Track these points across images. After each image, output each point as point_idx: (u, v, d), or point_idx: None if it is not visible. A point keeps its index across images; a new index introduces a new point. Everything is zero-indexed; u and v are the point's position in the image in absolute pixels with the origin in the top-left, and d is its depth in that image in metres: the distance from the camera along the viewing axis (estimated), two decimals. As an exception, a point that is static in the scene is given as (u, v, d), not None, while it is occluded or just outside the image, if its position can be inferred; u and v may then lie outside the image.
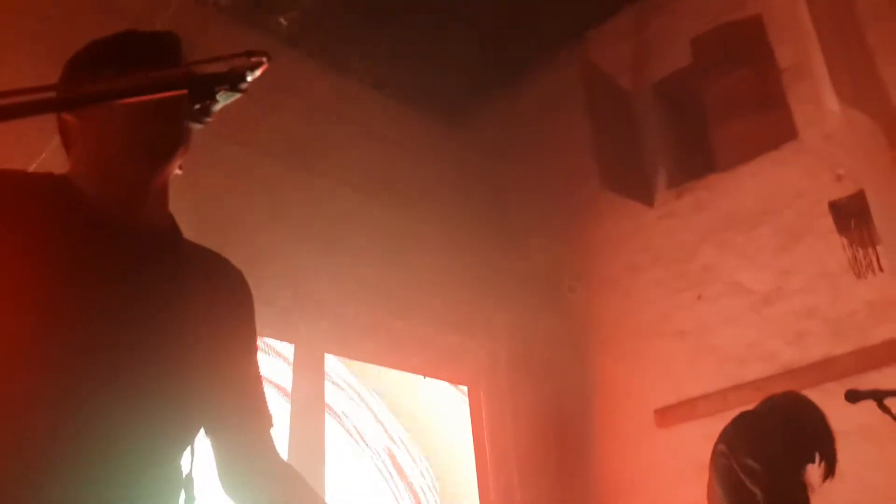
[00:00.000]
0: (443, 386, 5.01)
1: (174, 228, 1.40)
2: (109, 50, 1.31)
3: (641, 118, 4.80)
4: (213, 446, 1.40)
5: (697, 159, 4.57)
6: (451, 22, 4.38)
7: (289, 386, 3.69)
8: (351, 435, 4.56)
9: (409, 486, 4.74)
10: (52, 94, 0.84)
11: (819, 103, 3.72)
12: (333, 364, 4.40)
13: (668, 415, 4.13)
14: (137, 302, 1.25)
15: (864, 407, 2.56)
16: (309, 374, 3.80)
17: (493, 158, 5.24)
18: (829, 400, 2.96)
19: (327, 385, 3.99)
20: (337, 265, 4.18)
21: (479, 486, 4.58)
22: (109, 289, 1.22)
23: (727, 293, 4.15)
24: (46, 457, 1.11)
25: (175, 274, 1.32)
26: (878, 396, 2.46)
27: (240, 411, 1.40)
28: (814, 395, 3.17)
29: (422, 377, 4.77)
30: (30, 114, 0.73)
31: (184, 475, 1.29)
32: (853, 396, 2.49)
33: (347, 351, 4.35)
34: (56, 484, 1.10)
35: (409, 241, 4.53)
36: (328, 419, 4.15)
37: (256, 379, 1.45)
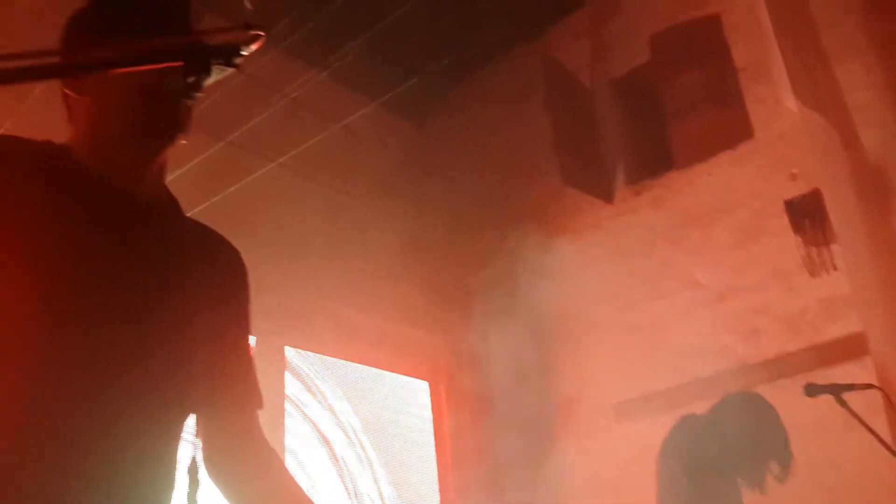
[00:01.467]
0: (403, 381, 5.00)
1: (173, 202, 1.37)
2: (113, 12, 1.26)
3: (601, 115, 4.83)
4: (198, 423, 1.36)
5: (656, 157, 4.62)
6: (413, 19, 4.35)
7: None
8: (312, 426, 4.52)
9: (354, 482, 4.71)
10: (49, 59, 0.81)
11: (776, 103, 3.79)
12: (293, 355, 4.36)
13: (626, 409, 4.18)
14: (135, 271, 1.22)
15: (821, 402, 2.61)
16: (269, 367, 3.76)
17: (455, 154, 5.24)
18: (784, 396, 3.03)
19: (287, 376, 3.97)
20: (299, 259, 4.13)
21: (439, 483, 4.59)
22: (107, 258, 1.20)
23: (682, 289, 4.21)
24: (40, 429, 1.09)
25: (173, 246, 1.30)
26: (837, 391, 2.52)
27: (228, 389, 1.37)
28: (768, 391, 3.25)
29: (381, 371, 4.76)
30: (22, 80, 0.70)
31: (190, 460, 1.27)
32: (812, 391, 2.54)
33: (308, 344, 4.31)
34: (49, 459, 1.08)
35: (371, 235, 4.51)
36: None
37: (247, 358, 1.42)
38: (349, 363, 4.63)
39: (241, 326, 1.43)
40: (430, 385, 4.94)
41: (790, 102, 3.49)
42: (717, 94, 4.35)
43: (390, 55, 4.63)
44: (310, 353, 4.43)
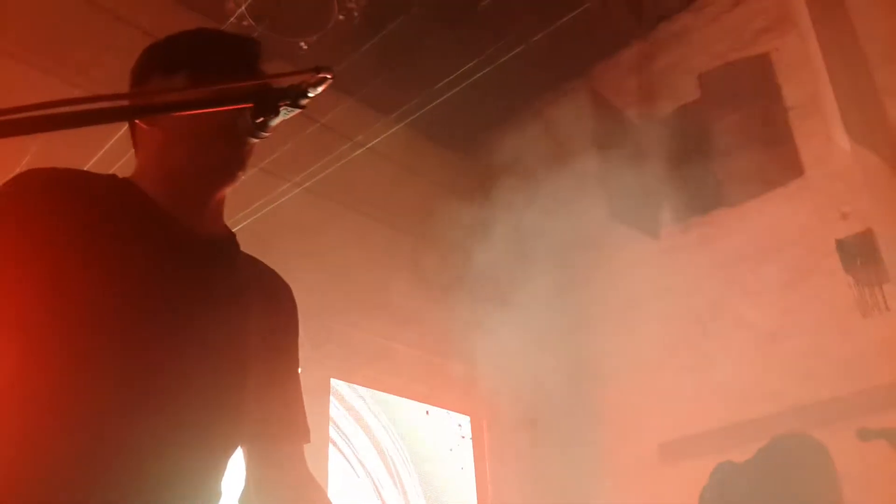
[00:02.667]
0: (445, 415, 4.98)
1: (231, 238, 1.41)
2: (184, 51, 1.31)
3: (649, 151, 4.82)
4: (244, 455, 1.40)
5: (704, 194, 4.58)
6: (462, 54, 4.41)
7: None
8: (349, 461, 4.52)
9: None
10: (123, 102, 0.84)
11: (827, 141, 3.74)
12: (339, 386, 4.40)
13: (671, 450, 4.10)
14: (195, 304, 1.25)
15: (874, 447, 2.54)
16: (315, 399, 3.78)
17: (504, 189, 5.25)
18: (836, 440, 2.94)
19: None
20: (346, 291, 4.17)
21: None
22: (168, 290, 1.23)
23: (732, 329, 4.14)
24: (99, 460, 1.11)
25: (230, 281, 1.33)
26: (891, 436, 2.44)
27: (276, 422, 1.40)
28: (820, 435, 3.16)
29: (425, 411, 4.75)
30: (99, 122, 0.73)
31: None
32: (865, 435, 2.47)
33: (353, 376, 4.33)
34: (103, 489, 1.10)
35: (417, 268, 4.53)
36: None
37: (296, 392, 1.45)
38: (392, 396, 4.64)
39: (292, 360, 1.46)
40: (471, 420, 4.91)
41: (842, 140, 3.45)
42: (767, 132, 4.31)
43: (437, 87, 4.68)
44: (354, 386, 4.45)
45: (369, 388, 4.56)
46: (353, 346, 4.26)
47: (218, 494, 1.28)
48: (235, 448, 1.33)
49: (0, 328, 1.14)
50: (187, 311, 1.23)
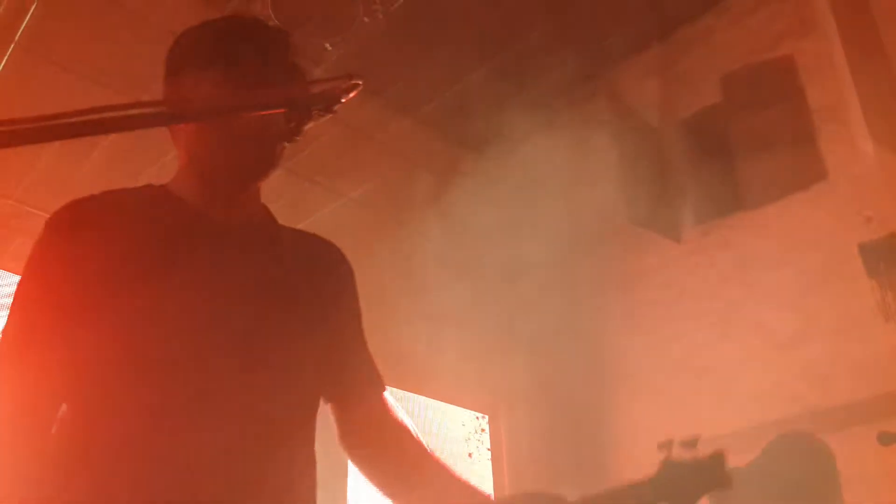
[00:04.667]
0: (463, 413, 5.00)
1: (268, 216, 1.45)
2: (215, 43, 1.34)
3: (669, 154, 4.81)
4: (334, 414, 1.47)
5: (725, 197, 4.56)
6: (481, 55, 4.43)
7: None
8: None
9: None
10: (158, 108, 0.87)
11: (850, 144, 3.72)
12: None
13: (689, 452, 4.08)
14: (241, 288, 1.28)
15: (894, 451, 2.53)
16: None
17: (521, 190, 5.26)
18: (856, 444, 2.93)
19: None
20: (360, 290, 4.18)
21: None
22: (213, 285, 1.26)
23: (752, 333, 4.12)
24: (181, 448, 1.15)
25: (273, 258, 1.37)
26: (911, 441, 2.43)
27: (356, 379, 1.48)
28: (840, 438, 3.15)
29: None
30: (134, 127, 0.75)
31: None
32: (886, 439, 2.46)
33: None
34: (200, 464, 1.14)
35: (432, 266, 4.54)
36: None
37: (364, 347, 1.52)
38: (409, 394, 4.66)
39: (355, 317, 1.52)
40: (489, 419, 4.92)
41: (866, 144, 3.43)
42: (789, 136, 4.28)
43: (454, 88, 4.70)
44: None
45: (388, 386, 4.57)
46: (371, 344, 4.28)
47: (309, 452, 1.34)
48: (313, 409, 1.37)
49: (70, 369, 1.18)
50: (237, 297, 1.27)
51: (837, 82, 3.70)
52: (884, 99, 3.54)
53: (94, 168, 3.91)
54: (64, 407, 1.20)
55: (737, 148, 4.49)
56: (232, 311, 1.25)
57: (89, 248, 1.22)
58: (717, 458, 1.33)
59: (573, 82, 5.14)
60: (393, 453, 1.46)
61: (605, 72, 5.11)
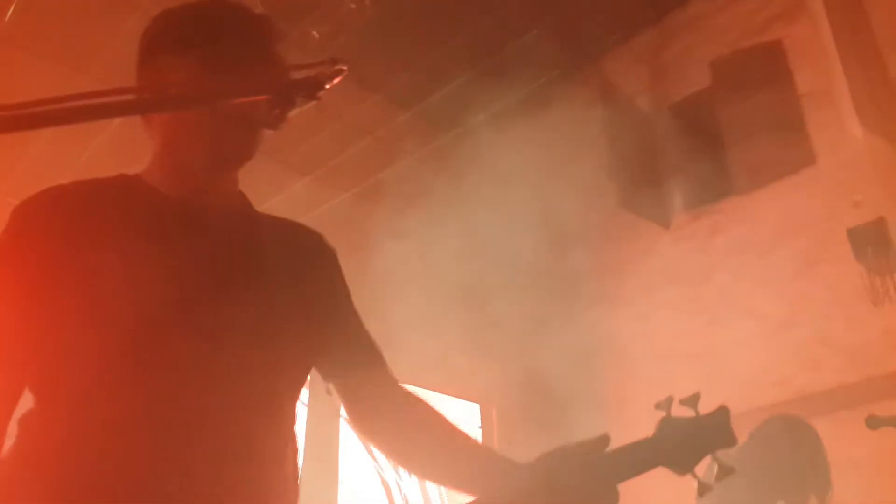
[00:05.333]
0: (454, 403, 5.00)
1: (246, 205, 1.43)
2: (196, 26, 1.31)
3: (659, 139, 4.80)
4: (340, 393, 1.45)
5: (714, 182, 4.56)
6: (471, 42, 4.41)
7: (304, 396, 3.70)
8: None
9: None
10: (131, 96, 0.85)
11: (839, 129, 3.72)
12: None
13: (680, 437, 4.10)
14: (218, 275, 1.26)
15: (883, 434, 2.54)
16: (323, 385, 3.79)
17: (510, 175, 5.25)
18: (845, 428, 2.95)
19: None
20: (353, 279, 4.17)
21: None
22: (189, 273, 1.24)
23: (741, 317, 4.14)
24: (164, 431, 1.13)
25: (250, 245, 1.34)
26: (899, 424, 2.44)
27: (352, 357, 1.45)
28: (829, 422, 3.17)
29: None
30: (112, 115, 0.74)
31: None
32: (874, 423, 2.47)
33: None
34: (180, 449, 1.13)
35: (424, 256, 4.53)
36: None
37: (358, 323, 1.49)
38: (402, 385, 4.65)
39: (342, 296, 1.49)
40: (481, 408, 4.93)
41: (854, 128, 3.43)
42: (778, 120, 4.28)
43: (447, 79, 4.68)
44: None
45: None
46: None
47: (289, 434, 1.31)
48: (294, 392, 1.34)
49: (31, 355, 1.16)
50: (213, 284, 1.25)
51: (826, 67, 3.70)
52: (872, 84, 3.54)
53: (86, 163, 3.88)
54: (30, 400, 1.17)
55: (726, 133, 4.49)
56: (206, 298, 1.22)
57: (60, 238, 1.20)
58: (721, 415, 1.24)
59: (563, 68, 5.13)
60: (407, 419, 1.44)
61: (596, 57, 5.09)
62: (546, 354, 4.63)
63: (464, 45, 4.23)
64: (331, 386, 1.46)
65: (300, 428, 1.40)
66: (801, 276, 3.94)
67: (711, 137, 4.65)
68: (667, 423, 1.25)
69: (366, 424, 1.45)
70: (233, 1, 1.38)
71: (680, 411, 1.24)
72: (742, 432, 3.22)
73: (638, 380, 4.42)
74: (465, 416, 4.98)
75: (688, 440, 1.21)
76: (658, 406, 1.23)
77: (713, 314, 4.24)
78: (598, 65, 5.08)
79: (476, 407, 4.96)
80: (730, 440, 1.20)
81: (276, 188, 4.04)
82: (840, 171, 3.92)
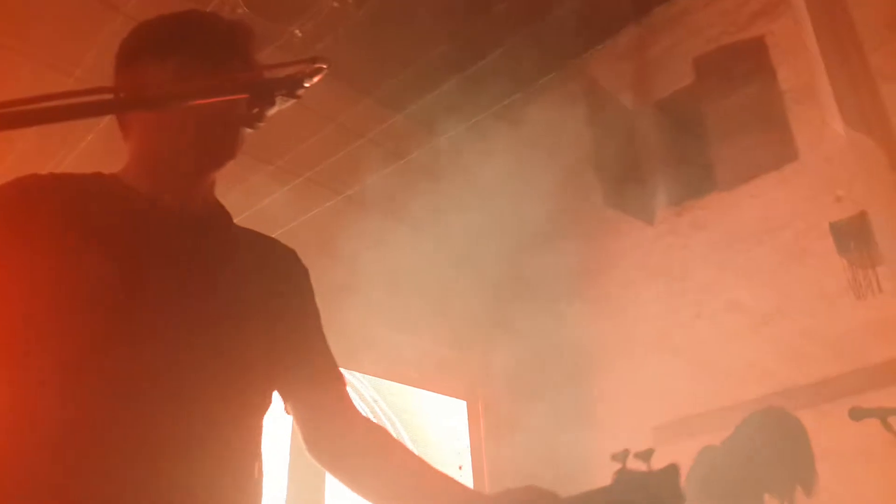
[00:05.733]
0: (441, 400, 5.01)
1: (222, 213, 1.42)
2: (176, 34, 1.31)
3: (643, 136, 4.82)
4: (295, 414, 1.43)
5: (698, 178, 4.59)
6: (454, 41, 4.40)
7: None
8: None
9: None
10: (109, 96, 0.84)
11: (821, 125, 3.75)
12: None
13: (666, 432, 4.13)
14: (190, 281, 1.25)
15: (866, 426, 2.56)
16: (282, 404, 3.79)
17: (495, 174, 5.25)
18: (828, 420, 2.97)
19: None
20: (339, 278, 4.17)
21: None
22: (162, 272, 1.22)
23: (725, 312, 4.16)
24: (116, 445, 1.10)
25: (224, 254, 1.34)
26: (882, 415, 2.47)
27: (314, 377, 1.43)
28: (813, 414, 3.19)
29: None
30: (90, 115, 0.73)
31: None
32: (857, 414, 2.49)
33: (347, 363, 4.34)
34: (125, 474, 1.09)
35: (410, 255, 4.53)
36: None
37: (323, 344, 1.48)
38: (388, 382, 4.65)
39: (310, 316, 1.48)
40: (467, 404, 4.94)
41: (836, 124, 3.46)
42: (761, 116, 4.32)
43: (432, 78, 4.67)
44: (354, 373, 4.46)
45: (366, 374, 4.58)
46: (348, 333, 4.27)
47: (257, 457, 1.29)
48: (262, 407, 1.32)
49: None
50: (178, 287, 1.23)
51: (808, 63, 3.73)
52: (854, 79, 3.56)
53: (73, 163, 3.85)
54: None
55: (710, 129, 4.52)
56: (166, 303, 1.20)
57: (37, 226, 1.18)
58: (671, 472, 1.29)
59: (548, 65, 5.13)
60: (366, 444, 1.42)
61: (580, 54, 5.10)
62: (532, 351, 4.65)
63: (449, 49, 4.23)
64: (289, 406, 1.43)
65: (285, 450, 1.38)
66: (784, 270, 3.97)
67: (695, 133, 4.68)
68: (622, 476, 1.30)
69: (323, 447, 1.42)
70: (211, 13, 1.39)
71: (635, 464, 1.32)
72: (727, 426, 3.26)
73: (623, 375, 4.43)
74: (453, 412, 4.99)
75: (639, 494, 1.28)
76: (614, 457, 1.30)
77: (697, 309, 4.27)
78: (582, 62, 5.09)
79: (463, 404, 4.96)
80: (678, 498, 1.27)
81: (246, 190, 4.02)
82: (822, 167, 3.95)
